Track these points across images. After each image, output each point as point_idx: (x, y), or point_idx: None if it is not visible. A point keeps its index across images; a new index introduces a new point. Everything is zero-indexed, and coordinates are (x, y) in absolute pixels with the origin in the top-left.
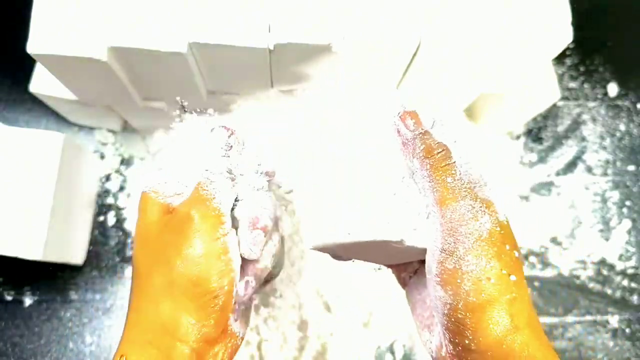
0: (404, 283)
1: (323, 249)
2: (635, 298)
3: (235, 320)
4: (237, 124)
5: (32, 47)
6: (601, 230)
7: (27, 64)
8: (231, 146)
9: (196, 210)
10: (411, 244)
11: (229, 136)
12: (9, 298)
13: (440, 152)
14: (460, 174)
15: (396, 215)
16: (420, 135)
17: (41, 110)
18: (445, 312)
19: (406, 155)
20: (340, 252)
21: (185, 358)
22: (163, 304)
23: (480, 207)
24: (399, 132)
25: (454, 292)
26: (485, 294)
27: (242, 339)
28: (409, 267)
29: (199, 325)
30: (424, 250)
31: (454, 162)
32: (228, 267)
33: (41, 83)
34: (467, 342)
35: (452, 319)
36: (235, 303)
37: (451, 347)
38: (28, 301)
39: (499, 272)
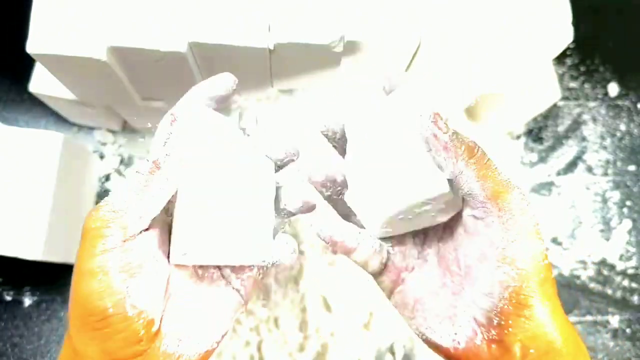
0: (394, 285)
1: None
2: (635, 298)
3: (180, 340)
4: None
5: (32, 46)
6: (602, 231)
7: (27, 64)
8: (170, 134)
9: (87, 218)
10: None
11: (171, 123)
12: (9, 298)
13: (479, 149)
14: (497, 166)
15: (432, 173)
16: (454, 135)
17: (41, 110)
18: (506, 295)
19: (448, 159)
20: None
21: None
22: (69, 321)
23: (524, 194)
24: (436, 136)
25: (519, 274)
26: (543, 273)
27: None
28: (408, 263)
29: (99, 344)
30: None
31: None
32: (109, 289)
33: (41, 83)
34: (523, 320)
35: (513, 301)
36: (150, 322)
37: (495, 331)
38: (28, 301)
39: (545, 253)
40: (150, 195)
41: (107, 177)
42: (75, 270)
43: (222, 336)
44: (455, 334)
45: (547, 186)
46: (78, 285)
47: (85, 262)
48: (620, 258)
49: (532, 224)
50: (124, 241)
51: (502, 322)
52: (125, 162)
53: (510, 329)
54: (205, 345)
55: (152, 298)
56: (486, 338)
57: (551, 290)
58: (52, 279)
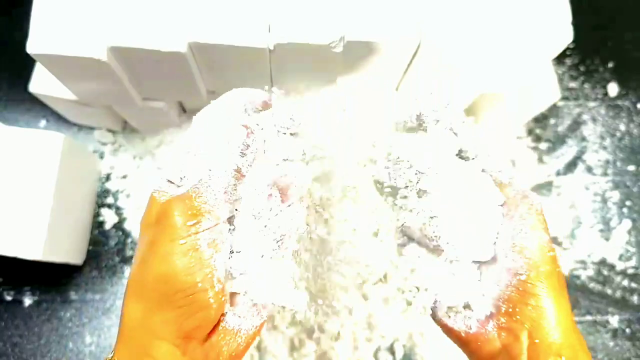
0: None
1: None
2: (635, 298)
3: (239, 316)
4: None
5: (32, 47)
6: (601, 230)
7: (27, 64)
8: (248, 146)
9: (173, 206)
10: None
11: (248, 135)
12: (9, 298)
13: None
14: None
15: None
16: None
17: (41, 110)
18: (514, 282)
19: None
20: None
21: (168, 355)
22: (135, 304)
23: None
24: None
25: (527, 263)
26: (549, 265)
27: (252, 335)
28: None
29: (177, 322)
30: None
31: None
32: (199, 264)
33: (41, 83)
34: (530, 308)
35: (520, 289)
36: (224, 300)
37: (504, 319)
38: (28, 301)
39: (552, 245)
40: (236, 197)
41: (108, 177)
42: (153, 253)
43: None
44: (469, 317)
45: (547, 186)
46: (163, 264)
47: (173, 242)
48: (620, 258)
49: (537, 216)
50: (215, 225)
51: (510, 310)
52: (126, 161)
53: (517, 317)
54: (258, 319)
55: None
56: (496, 325)
57: (557, 282)
58: (52, 279)
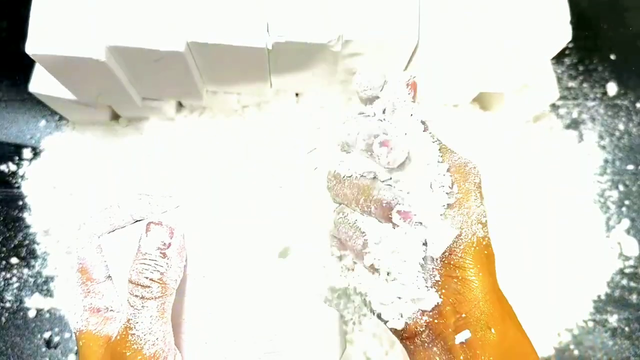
0: None
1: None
2: (634, 297)
3: None
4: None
5: (31, 47)
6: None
7: (26, 64)
8: (169, 245)
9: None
10: None
11: (168, 234)
12: (9, 298)
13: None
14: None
15: None
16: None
17: (41, 110)
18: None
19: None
20: None
21: None
22: None
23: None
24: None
25: (457, 236)
26: (479, 245)
27: None
28: None
29: None
30: None
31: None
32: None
33: (41, 83)
34: (455, 281)
35: (445, 261)
36: None
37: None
38: (28, 301)
39: (482, 216)
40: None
41: None
42: None
43: None
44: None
45: None
46: None
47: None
48: (619, 257)
49: (475, 188)
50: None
51: (435, 284)
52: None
53: (442, 291)
54: None
55: None
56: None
57: (484, 256)
58: (53, 278)
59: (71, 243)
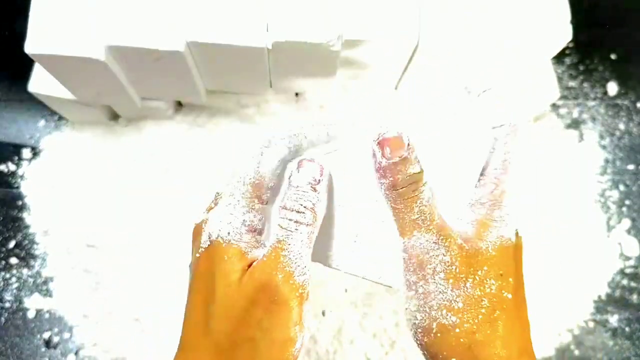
0: None
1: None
2: (635, 297)
3: None
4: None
5: (30, 47)
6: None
7: (26, 64)
8: (319, 181)
9: (280, 292)
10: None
11: (319, 171)
12: (9, 299)
13: (404, 187)
14: (421, 206)
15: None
16: (393, 165)
17: (41, 110)
18: (415, 332)
19: (376, 180)
20: None
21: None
22: None
23: (438, 240)
24: (374, 155)
25: (424, 316)
26: (449, 323)
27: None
28: None
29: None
30: None
31: (416, 195)
32: (296, 346)
33: (40, 83)
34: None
35: (423, 343)
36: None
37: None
38: (28, 301)
39: (467, 298)
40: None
41: None
42: (273, 336)
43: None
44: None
45: None
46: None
47: (286, 332)
48: (620, 257)
49: (432, 269)
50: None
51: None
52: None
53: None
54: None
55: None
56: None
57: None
58: (52, 279)
59: (250, 155)
